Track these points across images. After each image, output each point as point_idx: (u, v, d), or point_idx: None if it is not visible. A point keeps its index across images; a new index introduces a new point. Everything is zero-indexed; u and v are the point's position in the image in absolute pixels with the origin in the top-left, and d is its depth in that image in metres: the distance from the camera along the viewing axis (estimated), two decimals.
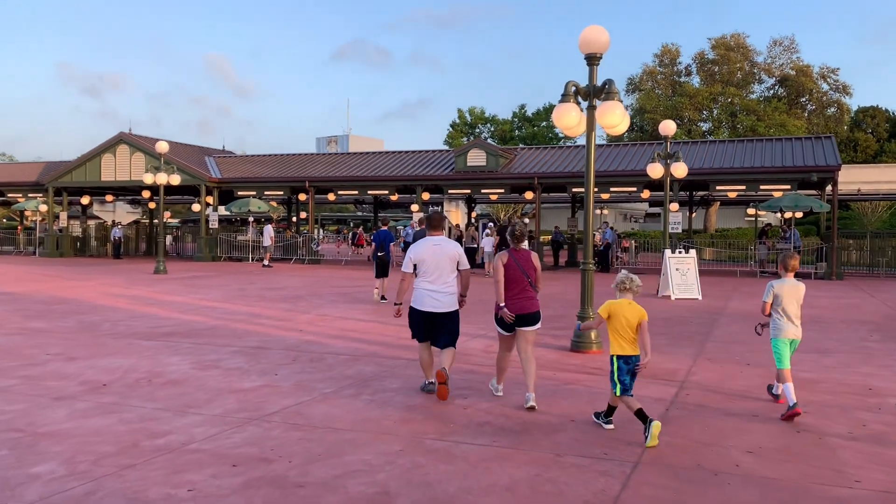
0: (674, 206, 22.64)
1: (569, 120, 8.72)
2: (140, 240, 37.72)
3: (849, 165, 37.87)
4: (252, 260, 30.69)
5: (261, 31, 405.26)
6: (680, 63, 51.58)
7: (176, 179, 23.63)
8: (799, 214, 29.75)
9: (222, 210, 34.51)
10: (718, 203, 42.04)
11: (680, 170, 17.30)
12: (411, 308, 7.01)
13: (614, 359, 5.79)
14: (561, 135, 60.07)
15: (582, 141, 50.04)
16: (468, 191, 30.15)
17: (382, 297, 15.22)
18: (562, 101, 8.81)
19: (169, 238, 37.76)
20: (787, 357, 6.66)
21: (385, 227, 16.45)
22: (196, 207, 33.35)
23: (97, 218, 45.62)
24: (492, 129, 66.07)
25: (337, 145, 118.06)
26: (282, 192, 32.46)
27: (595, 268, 10.27)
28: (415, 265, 6.99)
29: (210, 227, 31.81)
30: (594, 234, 10.77)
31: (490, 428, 5.89)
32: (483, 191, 30.06)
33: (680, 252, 17.67)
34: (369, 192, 31.87)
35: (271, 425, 5.92)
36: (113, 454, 5.15)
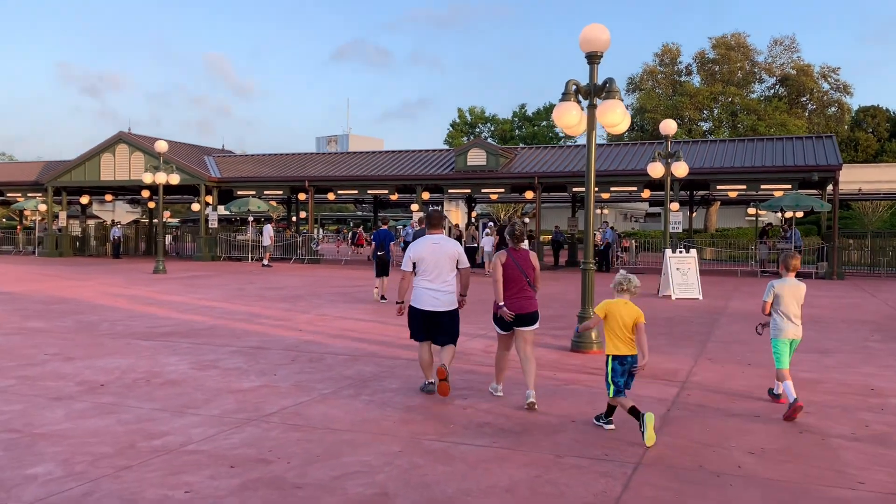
0: (674, 206, 22.60)
1: (569, 119, 8.68)
2: (139, 239, 37.68)
3: (849, 165, 37.85)
4: (252, 259, 30.66)
5: (261, 30, 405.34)
6: (680, 62, 51.55)
7: (175, 179, 23.59)
8: (799, 214, 29.70)
9: (222, 210, 34.49)
10: (719, 203, 42.02)
11: (680, 169, 17.25)
12: (411, 307, 6.98)
13: (609, 359, 5.79)
14: (561, 134, 60.04)
15: (582, 140, 49.95)
16: (468, 190, 30.11)
17: (382, 297, 15.18)
18: (562, 99, 8.77)
19: (168, 238, 37.72)
20: (786, 357, 6.65)
21: (385, 227, 16.42)
22: (195, 207, 33.36)
23: (97, 217, 45.60)
24: (492, 128, 66.02)
25: (337, 145, 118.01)
26: (281, 192, 32.41)
27: (595, 267, 10.23)
28: (414, 264, 6.97)
29: (209, 226, 31.78)
30: (594, 234, 10.72)
31: (490, 429, 5.85)
32: (483, 190, 30.01)
33: (681, 252, 17.62)
34: (369, 191, 31.82)
35: (270, 426, 5.88)
36: (110, 455, 5.12)
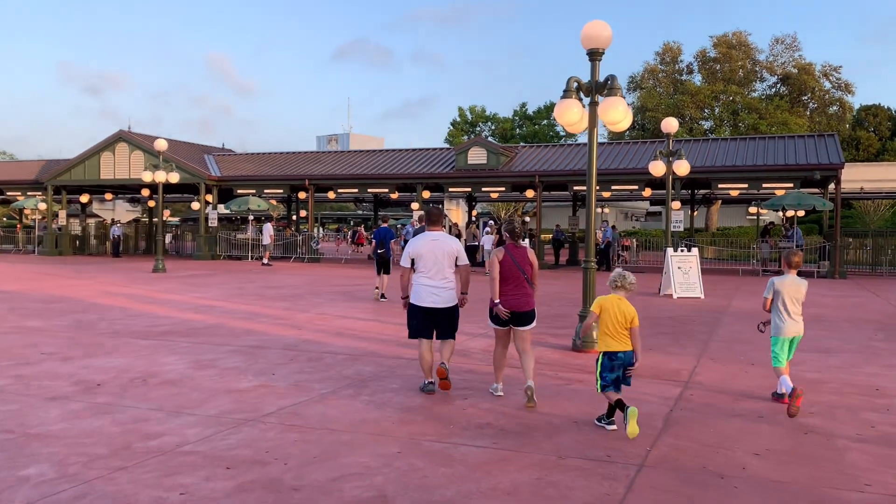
0: (676, 205, 22.52)
1: (571, 116, 8.59)
2: (139, 238, 37.61)
3: (851, 164, 37.70)
4: (252, 258, 30.58)
5: (262, 29, 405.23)
6: (681, 61, 51.44)
7: (175, 177, 23.50)
8: (801, 213, 29.62)
9: (222, 208, 34.40)
10: (720, 202, 41.92)
11: (682, 168, 17.17)
12: (410, 305, 6.96)
13: (600, 355, 5.85)
14: (562, 133, 59.96)
15: (583, 139, 49.89)
16: (469, 189, 30.01)
17: (382, 296, 15.10)
18: (563, 96, 8.68)
19: (168, 236, 37.62)
20: (783, 356, 6.65)
21: (385, 225, 16.35)
22: (195, 206, 33.26)
23: (97, 216, 45.52)
24: (493, 127, 65.88)
25: (337, 144, 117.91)
26: (281, 191, 32.32)
27: (597, 266, 10.15)
28: (413, 260, 6.96)
29: (209, 225, 31.70)
30: (595, 233, 10.64)
31: (490, 429, 5.77)
32: (484, 189, 29.91)
33: (682, 250, 17.54)
34: (369, 190, 31.73)
35: (267, 426, 5.80)
36: (105, 456, 5.04)
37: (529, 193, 28.87)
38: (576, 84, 8.81)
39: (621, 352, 5.74)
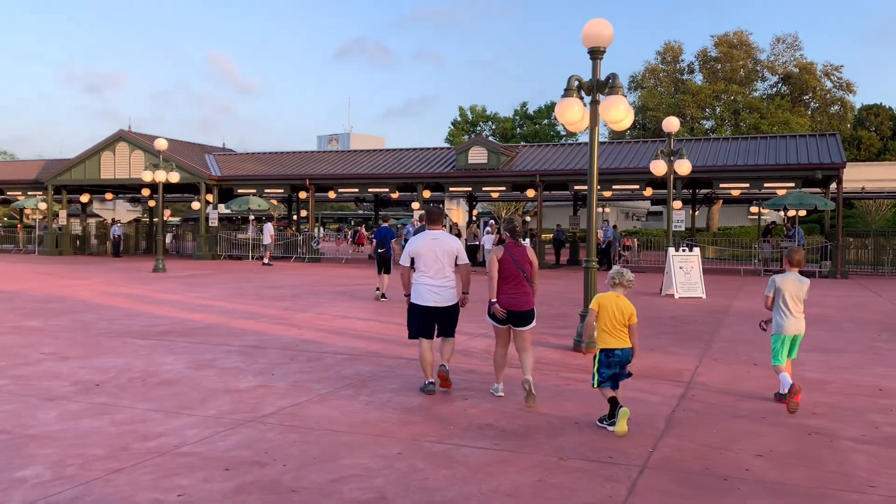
0: (677, 204, 22.47)
1: (572, 115, 8.54)
2: (140, 238, 37.57)
3: (852, 163, 37.63)
4: (252, 258, 30.53)
5: (263, 29, 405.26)
6: (682, 60, 51.35)
7: (175, 177, 23.46)
8: (802, 213, 29.56)
9: (222, 208, 34.35)
10: (721, 201, 41.84)
11: (683, 167, 17.11)
12: (411, 304, 6.94)
13: (598, 352, 5.88)
14: (563, 132, 59.88)
15: (584, 138, 49.83)
16: (469, 188, 29.95)
17: (383, 296, 15.06)
18: (565, 95, 8.62)
19: (169, 236, 37.58)
20: (784, 355, 6.64)
21: (385, 224, 16.32)
22: (196, 205, 33.20)
23: (97, 216, 45.49)
24: (493, 126, 65.78)
25: (338, 143, 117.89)
26: (282, 190, 32.26)
27: (598, 266, 10.10)
28: (412, 259, 6.96)
29: (210, 225, 31.65)
30: (597, 232, 10.60)
31: (491, 430, 5.72)
32: (484, 188, 29.85)
33: (684, 250, 17.48)
34: (370, 190, 31.67)
35: (266, 427, 5.75)
36: (102, 457, 4.99)
37: (530, 193, 28.81)
38: (577, 83, 8.76)
39: (618, 349, 5.76)
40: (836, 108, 49.29)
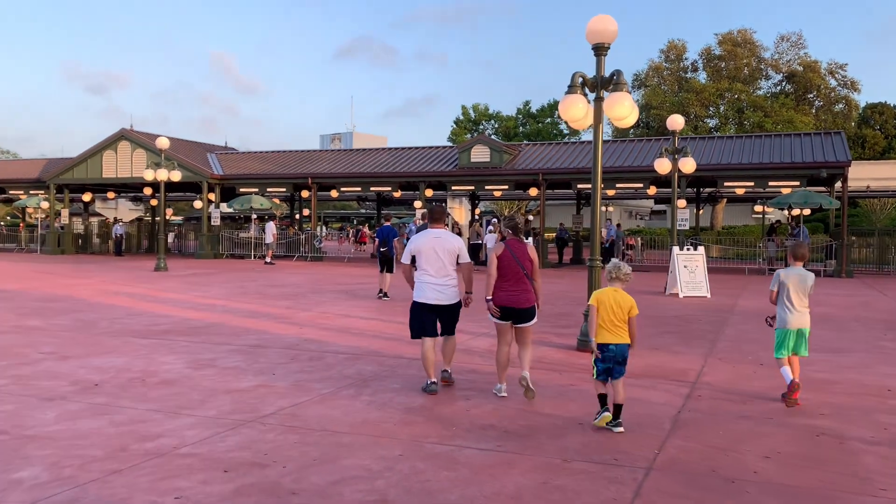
0: (681, 203, 22.36)
1: (576, 112, 8.44)
2: (142, 237, 37.56)
3: (857, 162, 37.41)
4: (254, 257, 30.49)
5: (266, 29, 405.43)
6: (686, 59, 51.19)
7: (177, 176, 23.41)
8: (807, 211, 29.41)
9: (224, 207, 34.32)
10: (725, 200, 41.70)
11: (688, 165, 17.00)
12: (414, 303, 6.91)
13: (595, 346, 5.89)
14: (566, 131, 59.73)
15: (587, 137, 49.70)
16: (471, 187, 29.87)
17: (385, 294, 15.00)
18: (568, 92, 8.53)
19: (171, 235, 37.57)
20: (786, 346, 6.62)
21: (388, 223, 16.28)
22: (198, 204, 33.15)
23: (99, 215, 45.48)
24: (496, 125, 65.67)
25: (341, 143, 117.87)
26: (284, 189, 32.20)
27: (601, 264, 10.01)
28: (413, 257, 6.97)
29: (212, 224, 31.61)
30: (600, 231, 10.53)
31: (494, 431, 5.64)
32: (487, 187, 29.76)
33: (688, 249, 17.38)
34: (372, 188, 31.60)
35: (266, 427, 5.68)
36: (100, 458, 4.92)
37: (533, 192, 28.71)
38: (581, 79, 8.66)
39: (613, 344, 5.72)
40: (840, 106, 49.09)
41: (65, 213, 34.78)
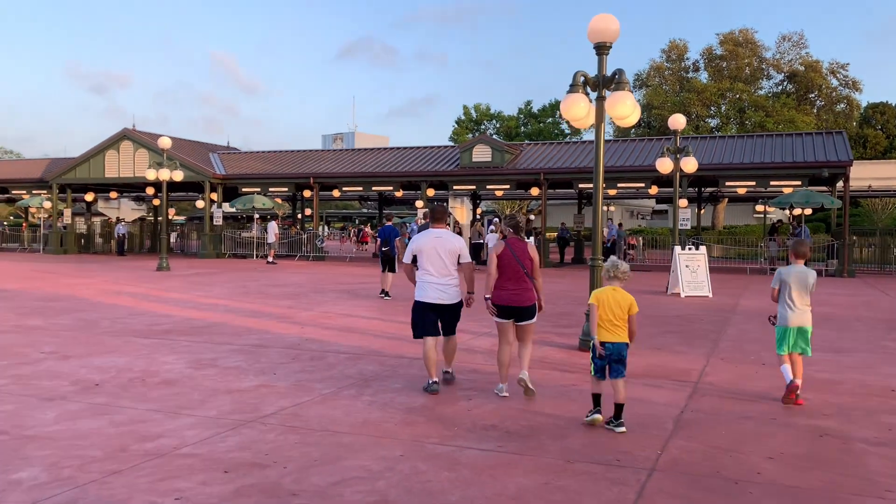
0: (683, 203, 22.31)
1: (577, 111, 8.42)
2: (144, 236, 37.56)
3: (858, 162, 37.34)
4: (256, 257, 30.48)
5: (268, 28, 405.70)
6: (687, 59, 51.14)
7: (179, 175, 23.40)
8: (808, 211, 29.34)
9: (227, 207, 34.35)
10: (726, 200, 41.65)
11: (690, 165, 16.97)
12: (416, 302, 6.91)
13: (592, 343, 5.89)
14: (567, 131, 59.70)
15: (588, 136, 49.65)
16: (473, 186, 29.84)
17: (386, 294, 14.98)
18: (570, 91, 8.50)
19: (173, 235, 37.57)
20: (786, 344, 6.61)
21: (389, 223, 16.28)
22: (200, 204, 33.15)
23: (102, 215, 45.51)
24: (497, 125, 65.66)
25: (343, 142, 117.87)
26: (286, 189, 32.20)
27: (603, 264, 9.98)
28: (414, 256, 6.99)
29: (214, 223, 31.61)
30: (602, 230, 10.50)
31: (496, 432, 5.61)
32: (488, 187, 29.74)
33: (690, 249, 17.34)
34: (374, 188, 31.59)
35: (267, 428, 5.65)
36: (100, 459, 4.90)
37: (534, 191, 28.68)
38: (583, 78, 8.63)
39: (610, 342, 5.70)
40: (842, 106, 49.04)
41: (67, 212, 34.78)
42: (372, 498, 4.25)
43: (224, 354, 8.68)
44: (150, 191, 35.06)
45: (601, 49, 8.63)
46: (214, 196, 31.86)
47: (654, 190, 28.63)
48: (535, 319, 6.74)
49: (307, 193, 32.42)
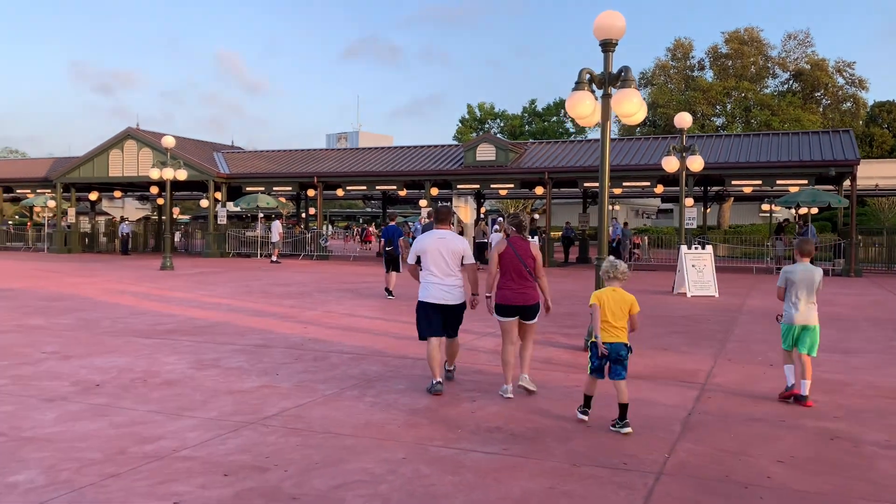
0: (689, 202, 22.19)
1: (583, 108, 8.31)
2: (148, 236, 37.57)
3: (865, 160, 37.13)
4: (261, 256, 30.44)
5: (272, 28, 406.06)
6: (693, 57, 50.99)
7: (182, 174, 23.37)
8: (815, 210, 29.17)
9: (231, 206, 34.32)
10: (732, 199, 41.47)
11: (696, 163, 16.85)
12: (420, 303, 6.85)
13: (590, 343, 5.88)
14: (572, 130, 59.51)
15: (593, 135, 49.47)
16: (477, 186, 29.75)
17: (390, 293, 14.91)
18: (575, 88, 8.39)
19: (178, 234, 37.55)
20: (791, 340, 6.59)
21: (393, 223, 16.23)
22: (204, 203, 33.12)
23: (106, 214, 45.55)
24: (501, 124, 65.55)
25: (347, 142, 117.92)
26: (290, 188, 32.14)
27: None
28: (418, 257, 6.95)
29: (219, 222, 31.58)
30: (608, 229, 10.41)
31: (500, 434, 5.52)
32: (492, 186, 29.63)
33: (696, 248, 17.22)
34: (377, 187, 31.52)
35: (268, 430, 5.58)
36: (99, 461, 4.83)
37: (539, 190, 28.57)
38: (588, 76, 8.52)
39: (606, 343, 5.64)
40: (848, 104, 48.84)
41: (71, 211, 34.80)
42: (374, 502, 4.17)
43: (226, 354, 8.61)
44: (154, 190, 35.04)
45: (607, 46, 8.52)
46: (218, 195, 31.83)
47: (659, 189, 28.52)
48: (537, 319, 6.72)
49: (311, 193, 32.37)
